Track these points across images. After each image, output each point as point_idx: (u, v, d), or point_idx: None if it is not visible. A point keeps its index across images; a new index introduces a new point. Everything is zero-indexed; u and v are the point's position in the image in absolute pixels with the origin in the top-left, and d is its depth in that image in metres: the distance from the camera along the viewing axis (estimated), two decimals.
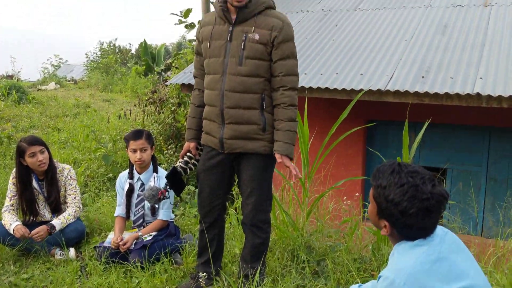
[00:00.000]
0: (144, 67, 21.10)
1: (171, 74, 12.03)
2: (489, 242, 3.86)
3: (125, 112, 9.75)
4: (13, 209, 3.72)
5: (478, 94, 4.55)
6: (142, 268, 3.21)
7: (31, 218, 3.79)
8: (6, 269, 3.40)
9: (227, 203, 3.07)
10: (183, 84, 6.10)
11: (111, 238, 3.51)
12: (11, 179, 3.77)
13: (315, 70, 5.62)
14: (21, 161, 3.68)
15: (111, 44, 29.73)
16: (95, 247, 3.58)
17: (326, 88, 5.20)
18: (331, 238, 3.66)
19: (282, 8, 7.72)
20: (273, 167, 2.79)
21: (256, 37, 2.57)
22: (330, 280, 2.94)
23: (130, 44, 34.06)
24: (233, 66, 2.62)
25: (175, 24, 9.60)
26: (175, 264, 3.36)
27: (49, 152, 3.77)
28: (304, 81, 5.34)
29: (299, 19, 7.32)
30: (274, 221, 3.46)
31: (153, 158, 3.69)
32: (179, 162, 2.92)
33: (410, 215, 1.59)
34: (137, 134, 3.55)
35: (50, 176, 3.76)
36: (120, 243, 3.35)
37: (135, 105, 10.33)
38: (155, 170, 3.66)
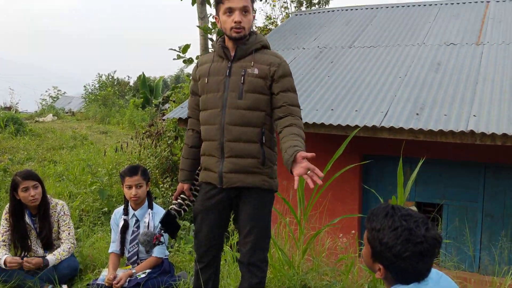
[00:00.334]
0: (142, 99, 21.25)
1: (168, 107, 12.11)
2: (486, 279, 3.82)
3: (121, 145, 9.77)
4: (5, 245, 3.69)
5: (471, 131, 4.60)
6: None
7: (23, 253, 3.74)
8: None
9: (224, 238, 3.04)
10: (180, 119, 6.15)
11: (104, 275, 3.47)
12: (4, 215, 3.75)
13: (311, 106, 5.69)
14: (14, 195, 3.66)
15: (110, 77, 30.02)
16: (88, 284, 3.52)
17: (322, 123, 5.25)
18: (327, 277, 3.62)
19: (279, 45, 7.87)
20: (272, 204, 2.75)
21: (256, 71, 2.62)
22: None
23: (129, 77, 34.34)
24: (233, 100, 2.63)
25: (174, 59, 9.73)
26: None
27: (43, 188, 3.75)
28: None
29: (295, 55, 7.44)
30: (270, 259, 3.42)
31: (149, 194, 3.68)
32: (173, 205, 2.89)
33: (404, 259, 1.59)
34: (132, 171, 3.54)
35: (42, 211, 3.74)
36: (114, 282, 3.30)
37: (132, 138, 10.37)
38: (150, 206, 3.64)
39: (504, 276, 3.54)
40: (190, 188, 2.91)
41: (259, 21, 20.88)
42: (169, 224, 2.84)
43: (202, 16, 10.30)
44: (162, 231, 2.85)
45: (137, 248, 3.61)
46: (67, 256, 3.73)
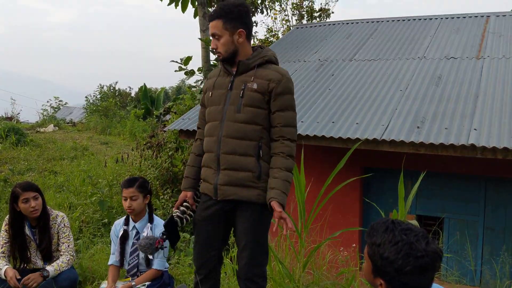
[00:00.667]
0: (143, 110, 21.31)
1: (170, 118, 12.14)
2: None
3: (122, 156, 9.77)
4: (4, 256, 3.68)
5: (472, 145, 4.61)
6: None
7: (23, 264, 3.73)
8: None
9: (223, 253, 3.02)
10: (181, 130, 6.15)
11: (104, 287, 3.45)
12: (4, 226, 3.75)
13: (312, 118, 5.70)
14: (14, 206, 3.66)
15: (111, 87, 30.14)
16: None
17: (323, 136, 5.25)
18: None
19: (280, 58, 7.86)
20: (269, 219, 2.73)
21: (255, 86, 2.64)
22: None
23: (130, 88, 34.47)
24: (231, 113, 2.67)
25: (175, 71, 9.79)
26: None
27: (43, 199, 3.75)
28: (301, 129, 5.41)
29: (296, 68, 7.48)
30: (270, 272, 3.41)
31: (150, 207, 3.67)
32: (176, 212, 2.88)
33: (406, 273, 1.58)
34: (128, 183, 3.55)
35: (42, 223, 3.73)
36: None
37: (132, 149, 10.38)
38: (150, 220, 3.63)
39: None
40: (193, 197, 2.89)
41: (260, 33, 21.02)
42: (172, 231, 2.82)
43: (204, 29, 10.38)
44: (164, 236, 2.83)
45: (137, 261, 3.59)
46: (66, 268, 3.71)
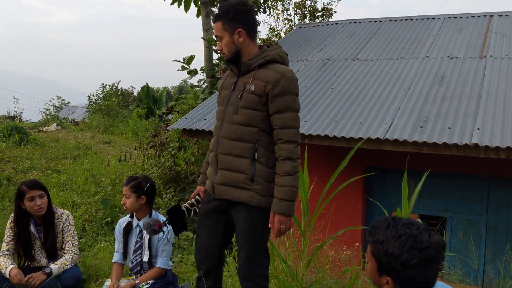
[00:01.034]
0: (145, 109, 21.35)
1: (172, 118, 12.16)
2: None
3: (125, 155, 9.79)
4: (9, 254, 3.69)
5: (475, 144, 4.60)
6: None
7: (27, 262, 3.74)
8: None
9: (225, 253, 3.03)
10: (184, 130, 6.16)
11: (107, 285, 3.47)
12: (9, 224, 3.76)
13: (315, 118, 5.70)
14: (20, 204, 3.67)
15: (114, 87, 30.19)
16: None
17: (326, 135, 5.26)
18: None
19: None
20: (266, 221, 2.68)
21: (252, 88, 2.64)
22: None
23: (133, 87, 34.56)
24: (230, 115, 2.70)
25: (178, 70, 9.81)
26: None
27: (48, 197, 3.76)
28: (303, 128, 5.41)
29: (298, 67, 7.48)
30: (273, 271, 3.42)
31: (150, 208, 3.68)
32: (186, 203, 2.94)
33: (412, 267, 1.59)
34: (126, 181, 3.62)
35: (47, 221, 3.75)
36: None
37: (135, 148, 10.40)
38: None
39: None
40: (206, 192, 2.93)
41: (263, 33, 20.98)
42: (176, 218, 2.86)
43: (207, 28, 10.39)
44: (167, 221, 2.88)
45: (140, 259, 3.61)
46: (70, 266, 3.73)
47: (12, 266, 3.55)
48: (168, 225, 2.91)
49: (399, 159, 5.15)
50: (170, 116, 17.39)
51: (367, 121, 5.42)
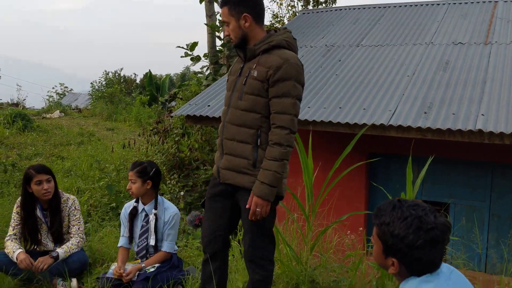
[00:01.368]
0: (148, 97, 21.34)
1: (175, 104, 12.16)
2: (494, 278, 3.83)
3: (129, 141, 9.82)
4: (16, 238, 3.71)
5: (480, 130, 4.60)
6: None
7: (33, 246, 3.78)
8: None
9: (230, 237, 3.05)
10: (188, 116, 6.16)
11: (113, 269, 3.49)
12: (15, 208, 3.78)
13: (319, 104, 5.70)
14: (26, 188, 3.69)
15: (116, 74, 30.14)
16: (97, 278, 3.56)
17: (330, 121, 5.26)
18: (334, 273, 3.64)
19: None
20: (271, 204, 2.68)
21: (255, 74, 2.64)
22: None
23: (135, 74, 34.52)
24: (235, 100, 2.71)
25: (181, 56, 9.78)
26: None
27: (55, 182, 3.79)
28: (307, 114, 5.42)
29: (302, 54, 7.46)
30: (278, 254, 3.45)
31: (155, 193, 3.70)
32: None
33: (417, 248, 1.60)
34: (132, 166, 3.64)
35: (54, 206, 3.77)
36: (124, 274, 3.34)
37: (139, 135, 10.43)
38: (155, 206, 3.66)
39: None
40: None
41: (266, 19, 20.85)
42: None
43: (210, 14, 10.34)
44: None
45: (146, 243, 3.64)
46: (76, 250, 3.76)
47: (20, 250, 3.57)
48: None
49: (403, 145, 5.15)
50: (173, 103, 17.38)
51: (371, 107, 5.42)
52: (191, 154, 8.06)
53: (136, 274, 3.40)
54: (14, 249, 3.57)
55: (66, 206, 3.85)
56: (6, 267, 3.54)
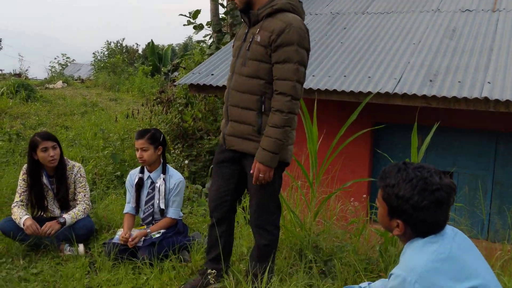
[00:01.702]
0: (151, 67, 21.20)
1: (178, 74, 12.09)
2: (496, 246, 3.87)
3: (132, 111, 9.81)
4: (23, 205, 3.76)
5: (485, 98, 4.57)
6: (151, 264, 3.24)
7: (40, 213, 3.83)
8: (15, 264, 3.44)
9: (236, 204, 3.08)
10: (191, 85, 6.13)
11: (119, 234, 3.54)
12: (21, 175, 3.81)
13: (323, 72, 5.65)
14: (32, 155, 3.71)
15: (118, 44, 29.91)
16: (104, 243, 3.61)
17: (334, 90, 5.22)
18: (338, 239, 3.68)
19: None
20: (277, 170, 2.71)
21: (258, 39, 2.61)
22: (337, 280, 2.97)
23: (137, 45, 34.24)
24: (239, 66, 2.70)
25: (184, 25, 9.68)
26: (183, 261, 3.39)
27: (60, 149, 3.81)
28: (312, 83, 5.38)
29: (307, 21, 7.35)
30: (282, 220, 3.48)
31: (163, 159, 3.72)
32: None
33: (422, 209, 1.61)
34: (140, 134, 3.61)
35: (60, 173, 3.80)
36: (129, 239, 3.38)
37: (142, 105, 10.41)
38: (163, 171, 3.69)
39: None
40: None
41: None
42: None
43: None
44: None
45: (152, 210, 3.68)
46: (83, 217, 3.81)
47: (27, 216, 3.62)
48: None
49: (408, 114, 5.13)
50: (175, 74, 17.29)
51: (376, 76, 5.37)
52: (195, 124, 8.05)
53: (142, 239, 3.44)
54: (21, 216, 3.61)
55: (72, 173, 3.87)
56: (13, 233, 3.59)
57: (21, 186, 3.79)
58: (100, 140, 7.50)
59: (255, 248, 2.85)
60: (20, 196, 3.77)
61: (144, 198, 3.69)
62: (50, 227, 3.57)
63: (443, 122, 4.93)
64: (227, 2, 9.83)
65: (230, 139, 2.74)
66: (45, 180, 3.79)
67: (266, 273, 2.68)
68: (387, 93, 4.98)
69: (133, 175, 3.77)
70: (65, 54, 30.54)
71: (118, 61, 21.72)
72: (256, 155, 2.59)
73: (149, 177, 3.68)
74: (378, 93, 4.98)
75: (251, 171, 2.62)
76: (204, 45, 10.17)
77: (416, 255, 1.61)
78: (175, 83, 7.84)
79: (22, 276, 3.22)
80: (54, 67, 26.84)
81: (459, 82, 4.93)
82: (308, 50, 2.62)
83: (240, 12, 2.78)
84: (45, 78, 21.19)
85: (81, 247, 3.63)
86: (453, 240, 1.65)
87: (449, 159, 5.94)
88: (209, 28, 10.01)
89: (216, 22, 10.04)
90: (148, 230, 3.53)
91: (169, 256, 3.35)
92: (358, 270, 3.05)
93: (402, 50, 5.90)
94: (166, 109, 8.88)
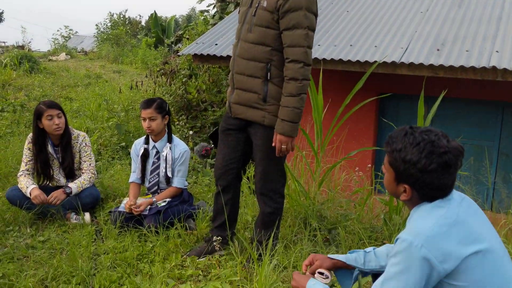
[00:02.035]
0: (154, 39, 21.01)
1: (182, 45, 11.97)
2: (500, 216, 3.87)
3: (136, 83, 9.76)
4: (29, 173, 3.77)
5: (493, 67, 4.50)
6: (157, 232, 3.27)
7: (46, 182, 3.85)
8: (22, 232, 3.47)
9: (241, 172, 3.09)
10: (195, 55, 6.07)
11: (125, 203, 3.56)
12: (27, 144, 3.81)
13: (329, 42, 5.58)
14: (38, 123, 3.71)
15: (121, 16, 29.57)
16: (110, 212, 3.64)
17: (340, 59, 5.16)
18: (342, 208, 3.69)
19: None
20: None
21: (265, 4, 2.56)
22: (342, 248, 2.99)
23: (140, 16, 33.86)
24: (245, 33, 2.66)
25: None
26: (188, 229, 3.42)
27: (65, 118, 3.80)
28: (317, 52, 5.31)
29: None
30: (286, 190, 3.49)
31: (169, 128, 3.72)
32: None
33: (430, 172, 1.59)
34: (147, 103, 3.58)
35: (65, 141, 3.81)
36: (133, 206, 3.40)
37: (146, 76, 10.35)
38: (169, 140, 3.69)
39: None
40: None
41: None
42: (215, 138, 2.94)
43: None
44: (213, 145, 2.97)
45: (157, 179, 3.69)
46: (88, 185, 3.83)
47: (33, 185, 3.64)
48: (212, 148, 2.98)
49: (414, 85, 5.08)
50: (179, 45, 17.12)
51: (382, 45, 5.29)
52: (199, 95, 8.01)
53: (148, 208, 3.47)
54: (27, 185, 3.63)
55: (77, 142, 3.88)
56: (20, 202, 3.62)
57: (26, 155, 3.80)
58: (104, 111, 7.49)
59: (259, 216, 2.87)
60: (26, 165, 3.78)
61: (149, 167, 3.70)
62: (56, 197, 3.60)
63: (449, 93, 4.88)
64: None
65: (236, 107, 2.72)
66: (50, 149, 3.79)
67: (270, 240, 2.70)
68: (393, 63, 4.92)
69: (138, 145, 3.77)
70: (68, 26, 30.23)
71: (121, 33, 21.51)
72: (275, 127, 2.57)
73: (154, 146, 3.68)
74: (384, 62, 4.92)
75: (273, 144, 2.60)
76: (208, 14, 10.03)
77: (423, 219, 1.60)
78: (178, 53, 7.76)
79: (29, 244, 3.25)
80: (57, 39, 26.59)
81: (466, 51, 4.86)
82: (316, 15, 2.59)
83: None
84: (48, 50, 21.05)
85: (87, 216, 3.66)
86: (460, 204, 1.64)
87: (454, 130, 5.91)
88: None
89: None
90: (154, 199, 3.55)
91: (174, 224, 3.37)
92: (362, 238, 3.07)
93: (409, 19, 5.81)
94: (170, 80, 8.82)
